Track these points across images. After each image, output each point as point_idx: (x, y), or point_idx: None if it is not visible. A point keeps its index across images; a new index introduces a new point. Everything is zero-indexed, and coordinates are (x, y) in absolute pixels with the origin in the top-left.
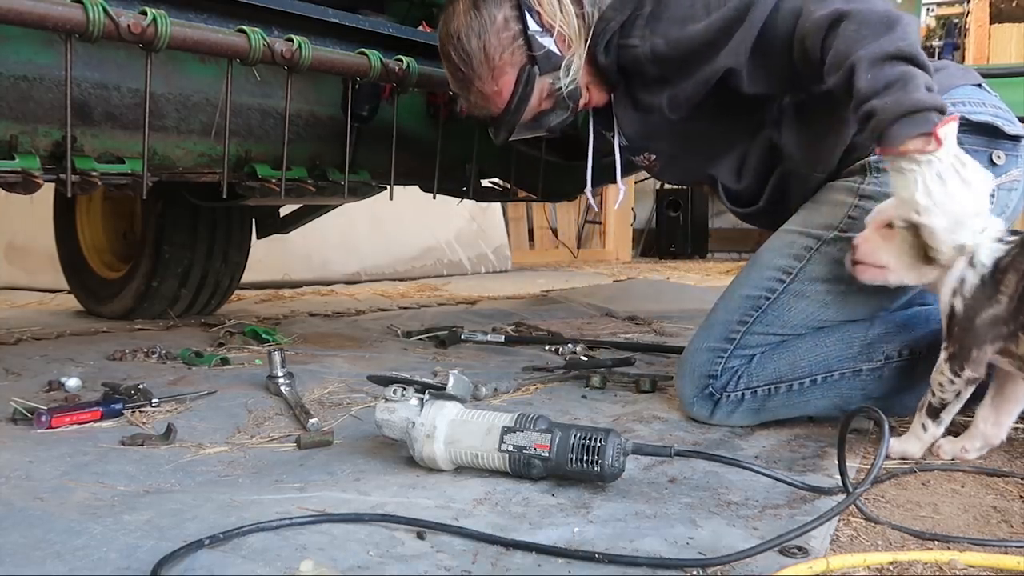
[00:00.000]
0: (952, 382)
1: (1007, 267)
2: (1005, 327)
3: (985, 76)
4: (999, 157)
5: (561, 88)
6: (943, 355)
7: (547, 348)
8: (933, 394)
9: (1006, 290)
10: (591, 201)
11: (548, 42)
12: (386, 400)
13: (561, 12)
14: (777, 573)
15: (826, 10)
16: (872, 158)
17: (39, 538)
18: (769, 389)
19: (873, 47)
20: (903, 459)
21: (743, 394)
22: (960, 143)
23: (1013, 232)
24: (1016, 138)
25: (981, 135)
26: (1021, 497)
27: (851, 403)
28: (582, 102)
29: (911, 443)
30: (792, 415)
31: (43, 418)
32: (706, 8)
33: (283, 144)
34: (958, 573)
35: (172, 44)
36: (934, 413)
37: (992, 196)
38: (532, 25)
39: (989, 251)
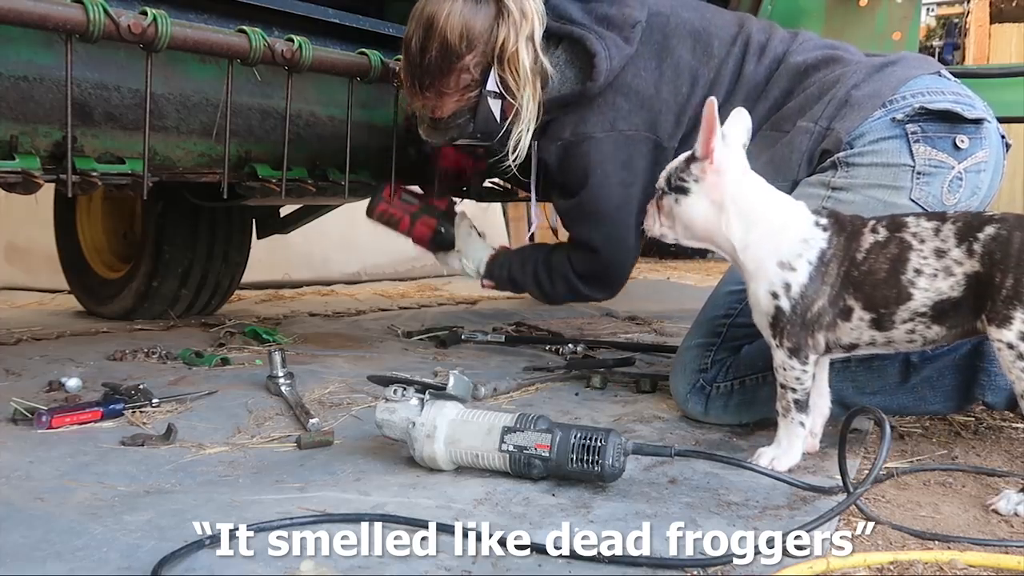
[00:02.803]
0: (806, 371)
1: (830, 259)
2: (827, 316)
3: (985, 76)
4: (962, 141)
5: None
6: (782, 353)
7: (547, 348)
8: (794, 390)
9: (829, 280)
10: (533, 216)
11: (496, 106)
12: (386, 400)
13: (527, 85)
14: (777, 573)
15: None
16: (841, 154)
17: (40, 538)
18: (757, 378)
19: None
20: (790, 470)
21: (732, 385)
22: (924, 131)
23: (830, 213)
24: (977, 121)
25: (942, 122)
26: None
27: (844, 396)
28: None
29: (794, 449)
30: None
31: (43, 418)
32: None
33: (283, 144)
34: (958, 573)
35: (172, 44)
36: (803, 406)
37: (960, 179)
38: (491, 84)
39: (812, 244)
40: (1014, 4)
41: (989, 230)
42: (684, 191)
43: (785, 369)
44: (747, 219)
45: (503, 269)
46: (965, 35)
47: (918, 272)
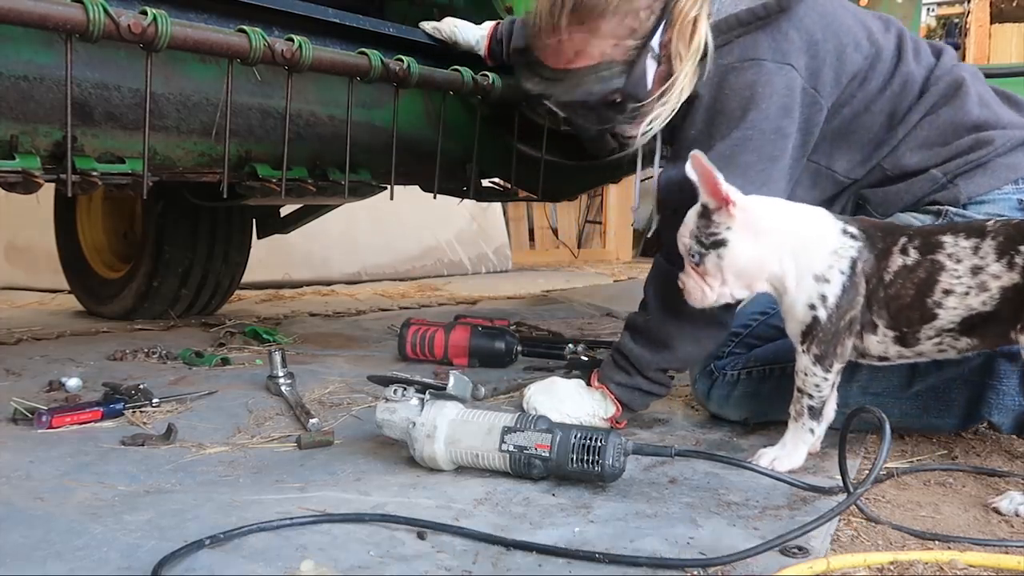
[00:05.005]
0: (827, 379)
1: (860, 271)
2: (858, 324)
3: (985, 76)
4: None
5: (612, 115)
6: (807, 359)
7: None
8: (811, 396)
9: (861, 289)
10: (640, 219)
11: (651, 70)
12: (387, 400)
13: (684, 55)
14: (777, 573)
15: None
16: (952, 209)
17: (40, 538)
18: (764, 371)
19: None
20: (791, 472)
21: (739, 374)
22: None
23: (860, 221)
24: None
25: None
26: None
27: (848, 399)
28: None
29: (798, 453)
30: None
31: (44, 418)
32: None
33: (283, 144)
34: (958, 573)
35: (172, 44)
36: (816, 414)
37: None
38: (656, 40)
39: (843, 254)
40: (1014, 4)
41: None
42: (722, 243)
43: (807, 375)
44: (782, 240)
45: (617, 359)
46: (965, 35)
47: (947, 292)
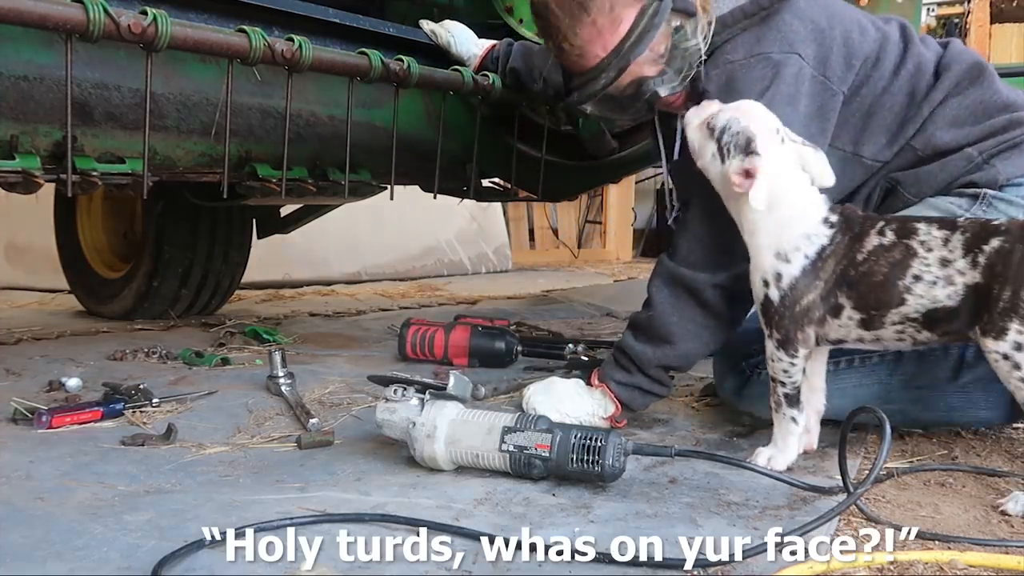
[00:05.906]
0: (794, 364)
1: (829, 256)
2: (818, 310)
3: None
4: None
5: (682, 48)
6: (771, 344)
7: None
8: (783, 384)
9: (824, 275)
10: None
11: None
12: (387, 400)
13: None
14: (777, 573)
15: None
16: (990, 192)
17: (40, 538)
18: None
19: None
20: (789, 468)
21: None
22: None
23: (842, 211)
24: None
25: None
26: None
27: (891, 393)
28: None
29: (790, 447)
30: None
31: (44, 418)
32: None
33: (284, 144)
34: (958, 573)
35: (173, 44)
36: (794, 401)
37: None
38: None
39: (814, 240)
40: (1014, 4)
41: (995, 242)
42: (722, 157)
43: (773, 361)
44: (769, 220)
45: (620, 358)
46: (965, 35)
47: (917, 279)
